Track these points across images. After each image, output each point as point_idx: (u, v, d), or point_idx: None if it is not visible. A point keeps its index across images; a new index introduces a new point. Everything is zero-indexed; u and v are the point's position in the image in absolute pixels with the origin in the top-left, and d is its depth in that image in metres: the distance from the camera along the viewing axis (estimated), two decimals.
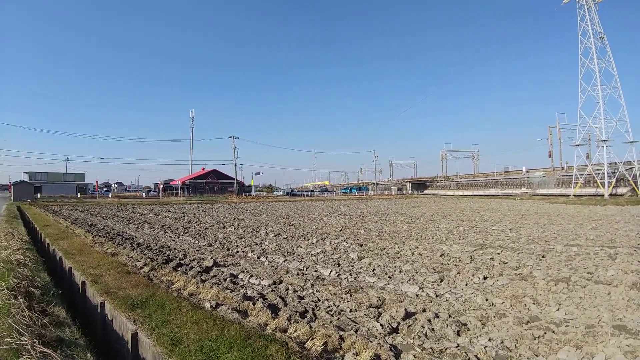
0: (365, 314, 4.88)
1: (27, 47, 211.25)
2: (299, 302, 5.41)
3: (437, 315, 4.73)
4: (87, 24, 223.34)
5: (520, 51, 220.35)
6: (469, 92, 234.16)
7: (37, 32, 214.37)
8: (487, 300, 5.39)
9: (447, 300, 5.53)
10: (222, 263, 8.31)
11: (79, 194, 59.39)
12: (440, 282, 6.53)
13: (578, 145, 45.94)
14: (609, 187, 41.02)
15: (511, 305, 5.19)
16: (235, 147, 64.37)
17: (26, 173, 64.43)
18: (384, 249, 9.95)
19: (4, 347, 3.06)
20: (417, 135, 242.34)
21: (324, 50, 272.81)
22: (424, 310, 4.96)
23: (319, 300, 5.58)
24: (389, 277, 6.94)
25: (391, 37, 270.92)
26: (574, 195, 44.67)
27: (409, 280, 6.64)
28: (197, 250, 9.97)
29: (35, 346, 3.02)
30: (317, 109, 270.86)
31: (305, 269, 7.74)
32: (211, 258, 8.47)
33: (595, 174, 43.03)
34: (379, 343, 3.65)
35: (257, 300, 5.19)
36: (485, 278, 6.63)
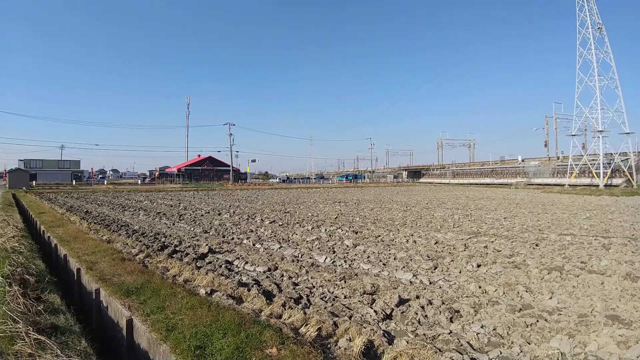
0: (359, 301, 4.92)
1: (21, 30, 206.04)
2: (294, 288, 5.44)
3: (430, 302, 4.78)
4: (77, 7, 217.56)
5: (520, 38, 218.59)
6: (466, 80, 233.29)
7: (29, 17, 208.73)
8: (480, 287, 5.45)
9: (440, 287, 5.59)
10: (217, 250, 8.32)
11: (74, 181, 58.89)
12: (434, 269, 6.59)
13: (574, 135, 45.95)
14: (604, 177, 41.30)
15: (504, 293, 5.24)
16: (231, 134, 63.89)
17: (21, 160, 63.77)
18: (379, 236, 10.01)
19: None
20: (414, 124, 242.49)
21: (323, 30, 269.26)
22: (417, 297, 5.01)
23: (314, 287, 5.62)
24: (384, 264, 6.99)
25: (391, 18, 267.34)
26: (569, 185, 44.98)
27: (403, 267, 6.69)
28: (192, 237, 9.98)
29: (30, 333, 3.01)
30: (314, 95, 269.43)
31: (300, 255, 7.78)
32: (206, 245, 8.47)
33: (591, 164, 43.26)
34: (373, 329, 3.69)
35: (252, 286, 5.21)
36: (478, 266, 6.70)
